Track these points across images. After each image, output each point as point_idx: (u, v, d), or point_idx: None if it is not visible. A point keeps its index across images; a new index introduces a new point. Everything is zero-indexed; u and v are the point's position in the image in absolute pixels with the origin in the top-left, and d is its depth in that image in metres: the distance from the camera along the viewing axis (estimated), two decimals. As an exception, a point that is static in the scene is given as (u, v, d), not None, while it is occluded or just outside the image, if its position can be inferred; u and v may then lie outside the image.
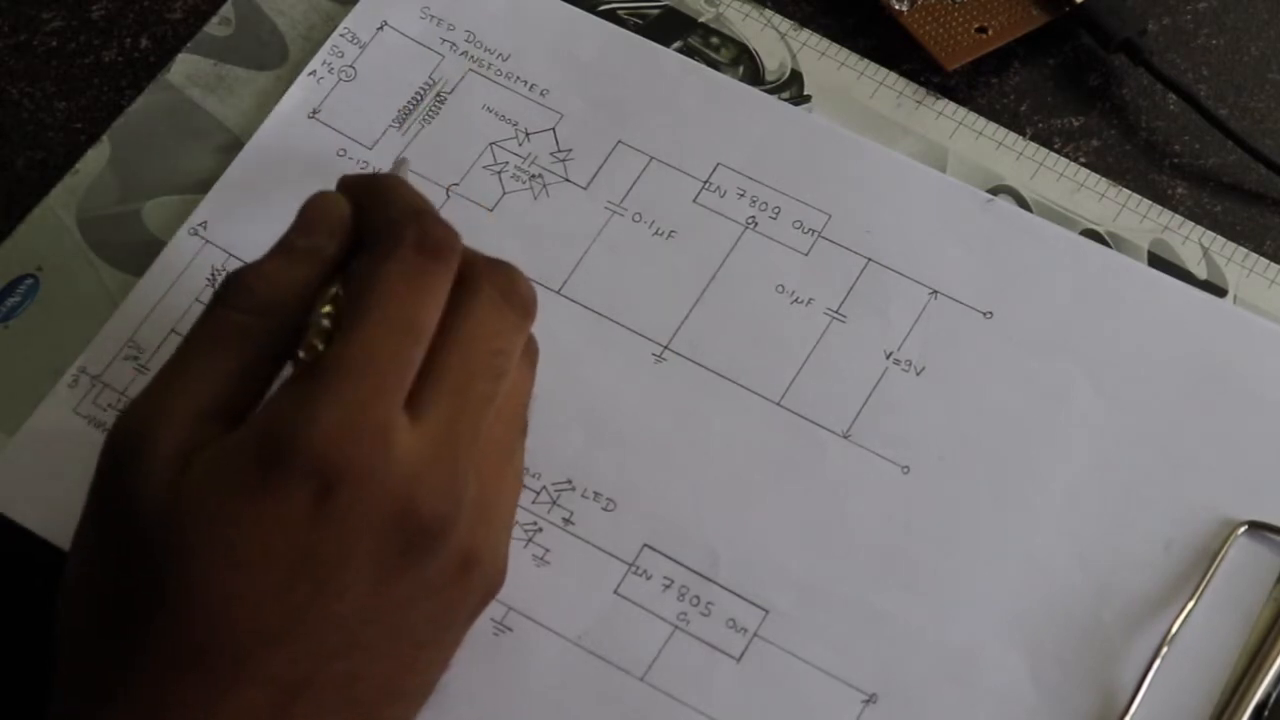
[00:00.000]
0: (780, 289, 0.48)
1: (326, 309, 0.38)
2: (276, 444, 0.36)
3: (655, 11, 0.53)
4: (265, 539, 0.35)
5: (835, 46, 0.52)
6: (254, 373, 0.38)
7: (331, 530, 0.36)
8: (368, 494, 0.36)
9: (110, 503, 0.37)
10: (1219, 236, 0.49)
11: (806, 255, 0.48)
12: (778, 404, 0.46)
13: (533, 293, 0.40)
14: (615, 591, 0.44)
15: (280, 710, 0.36)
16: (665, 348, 0.47)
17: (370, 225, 0.40)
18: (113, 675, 0.36)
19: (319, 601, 0.36)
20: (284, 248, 0.40)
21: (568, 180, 0.49)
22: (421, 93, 0.51)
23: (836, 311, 0.47)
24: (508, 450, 0.40)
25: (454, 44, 0.52)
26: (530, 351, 0.41)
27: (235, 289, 0.39)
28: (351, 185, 0.41)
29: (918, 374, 0.46)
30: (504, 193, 0.49)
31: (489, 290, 0.39)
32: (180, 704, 0.35)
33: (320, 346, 0.37)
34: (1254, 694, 0.42)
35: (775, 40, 0.52)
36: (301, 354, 0.38)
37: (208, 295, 0.47)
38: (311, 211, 0.40)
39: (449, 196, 0.49)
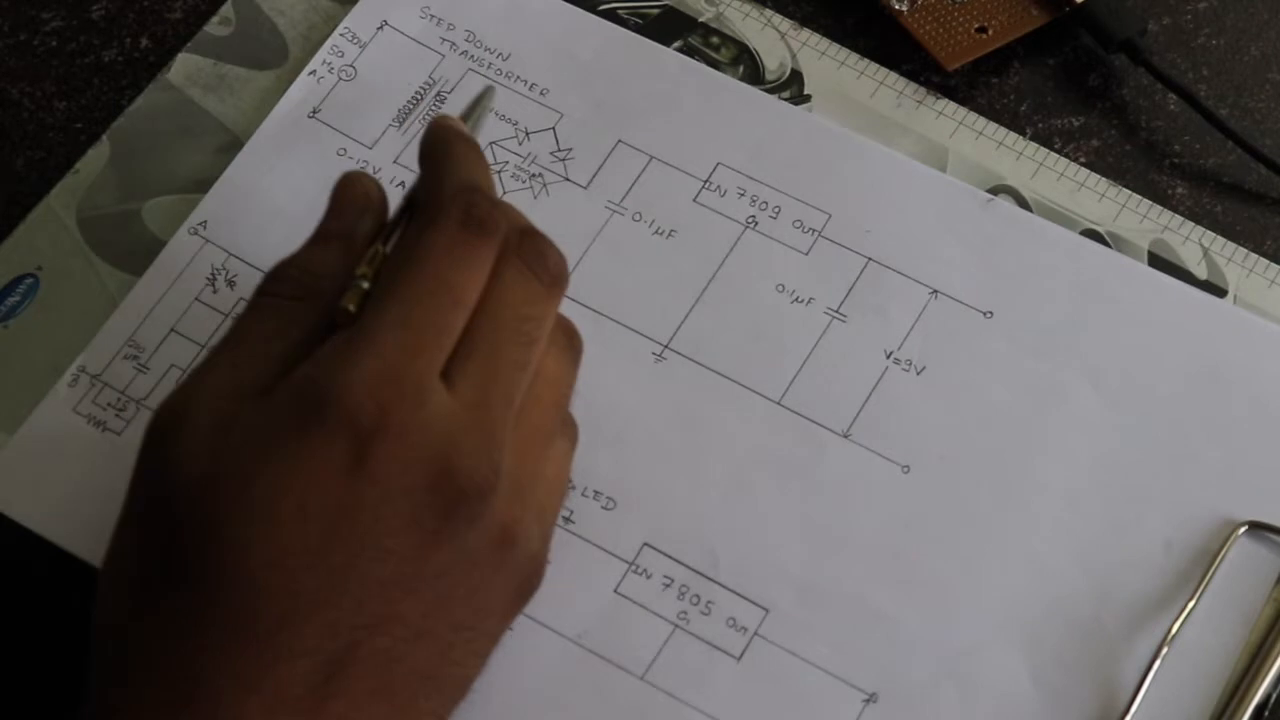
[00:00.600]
0: (780, 289, 0.48)
1: (364, 270, 0.39)
2: (312, 396, 0.36)
3: (655, 11, 0.53)
4: (302, 495, 0.35)
5: (835, 46, 0.52)
6: (294, 353, 0.38)
7: (369, 486, 0.35)
8: (405, 450, 0.36)
9: (150, 478, 0.37)
10: (1219, 236, 0.49)
11: (806, 255, 0.48)
12: (778, 404, 0.46)
13: (563, 263, 0.40)
14: (615, 591, 0.44)
15: (317, 691, 0.35)
16: (665, 347, 0.47)
17: (424, 194, 0.40)
18: (149, 655, 0.35)
19: (359, 564, 0.35)
20: (318, 235, 0.41)
21: (568, 180, 0.49)
22: (421, 92, 0.51)
23: (836, 311, 0.47)
24: (547, 435, 0.40)
25: (454, 44, 0.52)
26: (571, 344, 0.42)
27: (273, 277, 0.40)
28: (426, 142, 0.42)
29: (918, 374, 0.46)
30: (504, 192, 0.49)
31: (516, 260, 0.39)
32: (217, 680, 0.35)
33: (352, 308, 0.38)
34: (1254, 694, 0.42)
35: (775, 40, 0.52)
36: (337, 316, 0.38)
37: (208, 295, 0.47)
38: (339, 194, 0.41)
39: (449, 196, 0.49)
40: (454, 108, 0.50)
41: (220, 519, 0.35)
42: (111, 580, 0.37)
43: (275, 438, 0.36)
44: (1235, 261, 0.48)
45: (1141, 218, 0.49)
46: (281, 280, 0.39)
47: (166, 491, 0.36)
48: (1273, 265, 0.48)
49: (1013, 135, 0.50)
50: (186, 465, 0.36)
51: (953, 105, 0.51)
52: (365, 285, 0.38)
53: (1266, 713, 0.42)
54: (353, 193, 0.41)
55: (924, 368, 0.46)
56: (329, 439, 0.35)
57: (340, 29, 0.52)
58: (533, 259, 0.39)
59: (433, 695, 0.38)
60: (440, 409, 0.36)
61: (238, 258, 0.48)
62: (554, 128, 0.50)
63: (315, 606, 0.35)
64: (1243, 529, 0.44)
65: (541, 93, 0.51)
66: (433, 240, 0.38)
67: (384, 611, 0.36)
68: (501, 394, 0.38)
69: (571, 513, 0.44)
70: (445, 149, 0.41)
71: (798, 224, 0.49)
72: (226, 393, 0.37)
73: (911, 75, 0.51)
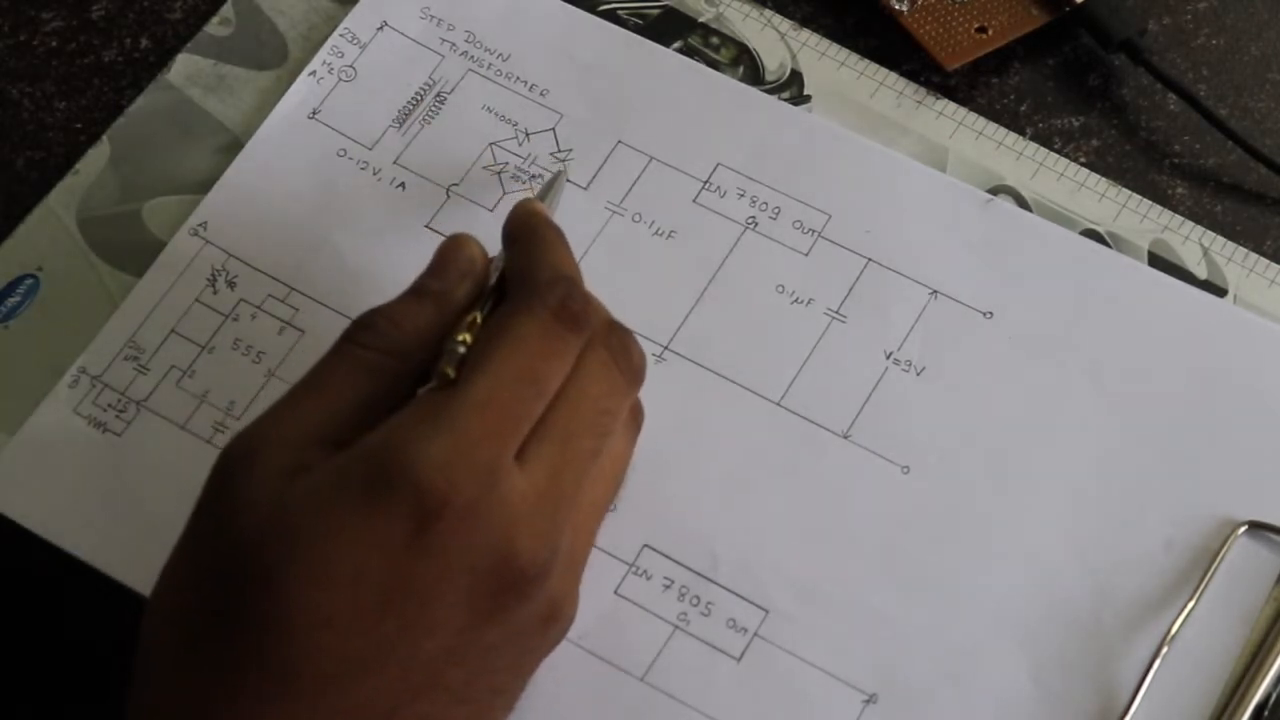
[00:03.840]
0: (780, 289, 0.48)
1: (464, 336, 0.39)
2: (385, 466, 0.36)
3: (655, 11, 0.53)
4: (361, 561, 0.35)
5: (835, 46, 0.52)
6: (374, 407, 0.38)
7: (429, 562, 0.35)
8: (469, 529, 0.36)
9: (213, 516, 0.37)
10: (1219, 236, 0.49)
11: (806, 255, 0.48)
12: (778, 404, 0.46)
13: (644, 359, 0.40)
14: (615, 592, 0.44)
15: None
16: (665, 348, 0.47)
17: (518, 276, 0.40)
18: (194, 697, 0.36)
19: (409, 636, 0.36)
20: (415, 290, 0.40)
21: (568, 180, 0.49)
22: (421, 93, 0.51)
23: (836, 311, 0.47)
24: (602, 511, 0.41)
25: (454, 44, 0.52)
26: (635, 422, 0.42)
27: (362, 327, 0.39)
28: (514, 225, 0.42)
29: (918, 374, 0.46)
30: (504, 193, 0.49)
31: (602, 352, 0.39)
32: None
33: (452, 374, 0.38)
34: (1254, 694, 0.42)
35: (775, 40, 0.52)
36: (433, 380, 0.38)
37: (208, 296, 0.47)
38: (444, 254, 0.41)
39: (449, 196, 0.49)
40: (454, 107, 0.50)
41: (277, 573, 0.35)
42: (161, 608, 0.37)
43: (342, 500, 0.36)
44: (1235, 261, 0.48)
45: (1141, 218, 0.49)
46: (370, 331, 0.39)
47: (227, 534, 0.36)
48: (1273, 265, 0.48)
49: (1013, 135, 0.50)
50: (251, 511, 0.36)
51: (953, 105, 0.51)
52: (463, 351, 0.38)
53: (1266, 713, 0.42)
54: (457, 255, 0.41)
55: (924, 368, 0.46)
56: (394, 510, 0.35)
57: (340, 29, 0.52)
58: (618, 353, 0.40)
59: None
60: (510, 493, 0.36)
61: (238, 258, 0.48)
62: (554, 128, 0.50)
63: (361, 671, 0.35)
64: (1243, 529, 0.44)
65: (541, 93, 0.51)
66: (527, 329, 0.38)
67: (429, 681, 0.36)
68: (572, 483, 0.38)
69: (572, 513, 0.44)
70: (536, 234, 0.41)
71: (798, 225, 0.49)
72: (300, 440, 0.37)
73: (911, 75, 0.51)
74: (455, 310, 0.40)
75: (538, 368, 0.38)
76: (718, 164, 0.49)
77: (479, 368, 0.37)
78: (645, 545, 0.44)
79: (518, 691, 0.39)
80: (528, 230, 0.42)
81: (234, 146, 0.50)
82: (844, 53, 0.52)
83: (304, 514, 0.36)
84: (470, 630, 0.36)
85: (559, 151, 0.50)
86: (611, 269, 0.48)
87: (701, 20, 0.52)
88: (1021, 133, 0.51)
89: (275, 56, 0.52)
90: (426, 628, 0.36)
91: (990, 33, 0.51)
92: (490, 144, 0.50)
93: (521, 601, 0.37)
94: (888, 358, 0.47)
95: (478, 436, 0.36)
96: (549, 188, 0.47)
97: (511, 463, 0.37)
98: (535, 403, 0.38)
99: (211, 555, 0.37)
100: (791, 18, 0.53)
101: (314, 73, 0.51)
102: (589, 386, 0.39)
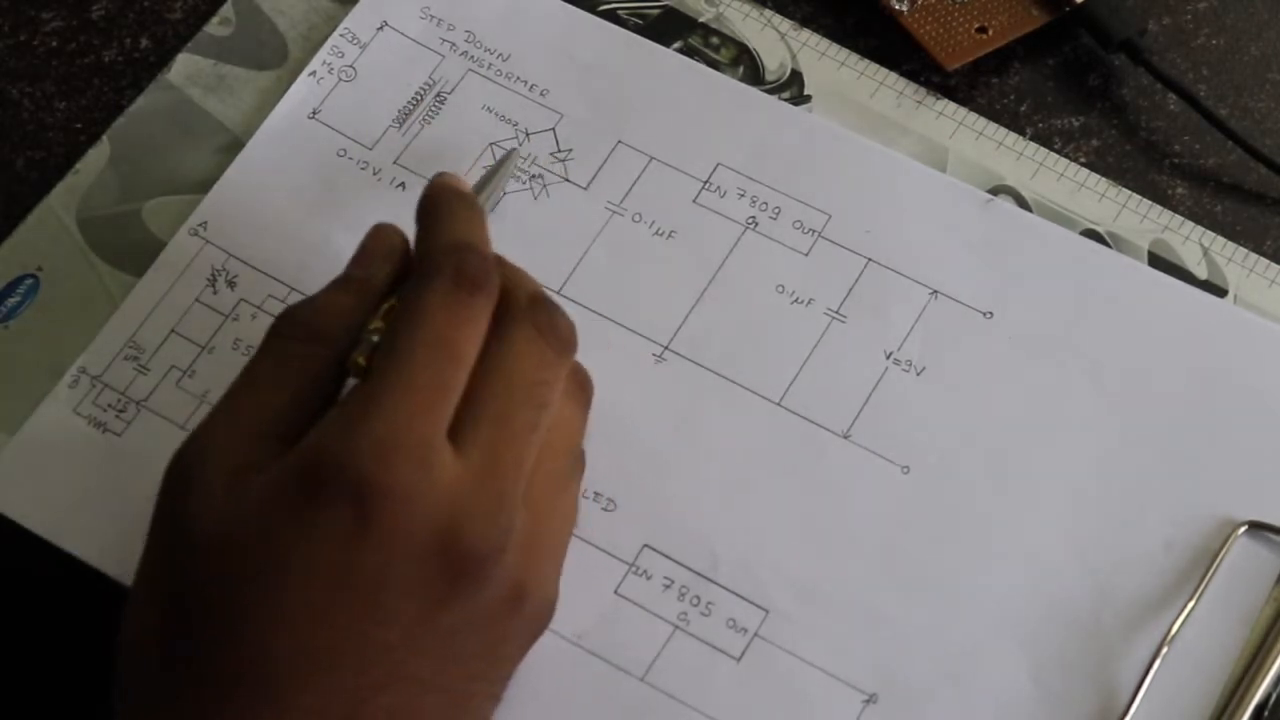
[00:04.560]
0: (780, 289, 0.48)
1: (376, 324, 0.39)
2: (317, 465, 0.36)
3: (655, 11, 0.53)
4: (309, 557, 0.36)
5: (835, 46, 0.52)
6: (309, 396, 0.39)
7: (373, 549, 0.36)
8: (410, 513, 0.36)
9: (166, 526, 0.38)
10: (1219, 236, 0.49)
11: (806, 255, 0.48)
12: (778, 404, 0.46)
13: (572, 328, 0.41)
14: (615, 591, 0.44)
15: None
16: (665, 348, 0.47)
17: (418, 252, 0.41)
18: (159, 700, 0.36)
19: (362, 625, 0.36)
20: (338, 279, 0.41)
21: (568, 180, 0.49)
22: (421, 93, 0.51)
23: (836, 311, 0.47)
24: (559, 484, 0.41)
25: (454, 44, 0.52)
26: (582, 390, 0.42)
27: (286, 320, 0.40)
28: (421, 201, 0.42)
29: (918, 374, 0.46)
30: (504, 193, 0.49)
31: (527, 326, 0.39)
32: None
33: (362, 362, 0.39)
34: (1254, 694, 0.42)
35: (775, 40, 0.52)
36: (350, 369, 0.39)
37: (208, 296, 0.47)
38: (365, 242, 0.42)
39: (449, 196, 0.49)
40: (454, 107, 0.50)
41: (228, 578, 0.36)
42: (129, 620, 0.38)
43: (283, 502, 0.36)
44: (1235, 261, 0.48)
45: (1141, 218, 0.49)
46: (293, 322, 0.40)
47: (180, 551, 0.37)
48: (1273, 265, 0.48)
49: (1013, 135, 0.50)
50: (199, 525, 0.37)
51: (953, 105, 0.51)
52: (376, 339, 0.39)
53: (1266, 713, 0.42)
54: (377, 241, 0.42)
55: (924, 368, 0.46)
56: (334, 505, 0.36)
57: (340, 29, 0.52)
58: (544, 325, 0.40)
59: None
60: (446, 472, 0.37)
61: (238, 258, 0.48)
62: (554, 128, 0.50)
63: (320, 667, 0.35)
64: (1243, 529, 0.44)
65: (541, 93, 0.51)
66: (426, 300, 0.38)
67: (391, 672, 0.36)
68: (513, 458, 0.38)
69: (572, 513, 0.44)
70: (438, 208, 0.42)
71: (798, 225, 0.49)
72: (241, 440, 0.38)
73: (911, 75, 0.51)
74: (375, 294, 0.41)
75: (446, 336, 0.38)
76: (718, 164, 0.49)
77: (389, 350, 0.38)
78: (645, 545, 0.44)
79: (499, 679, 0.39)
80: (430, 205, 0.42)
81: (234, 146, 0.50)
82: (844, 53, 0.52)
83: (250, 519, 0.36)
84: (426, 617, 0.36)
85: (559, 151, 0.50)
86: (611, 269, 0.48)
87: (701, 20, 0.52)
88: (1021, 133, 0.51)
89: (275, 56, 0.52)
90: (379, 617, 0.36)
91: (990, 33, 0.51)
92: (490, 144, 0.50)
93: (476, 584, 0.37)
94: (888, 358, 0.47)
95: (402, 417, 0.36)
96: (498, 167, 0.47)
97: (444, 441, 0.37)
98: (452, 370, 0.38)
99: (168, 567, 0.37)
100: (791, 18, 0.53)
101: (314, 73, 0.51)
102: (516, 361, 0.39)
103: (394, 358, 0.38)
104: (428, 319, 0.38)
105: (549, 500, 0.40)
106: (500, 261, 0.41)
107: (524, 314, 0.40)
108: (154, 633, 0.37)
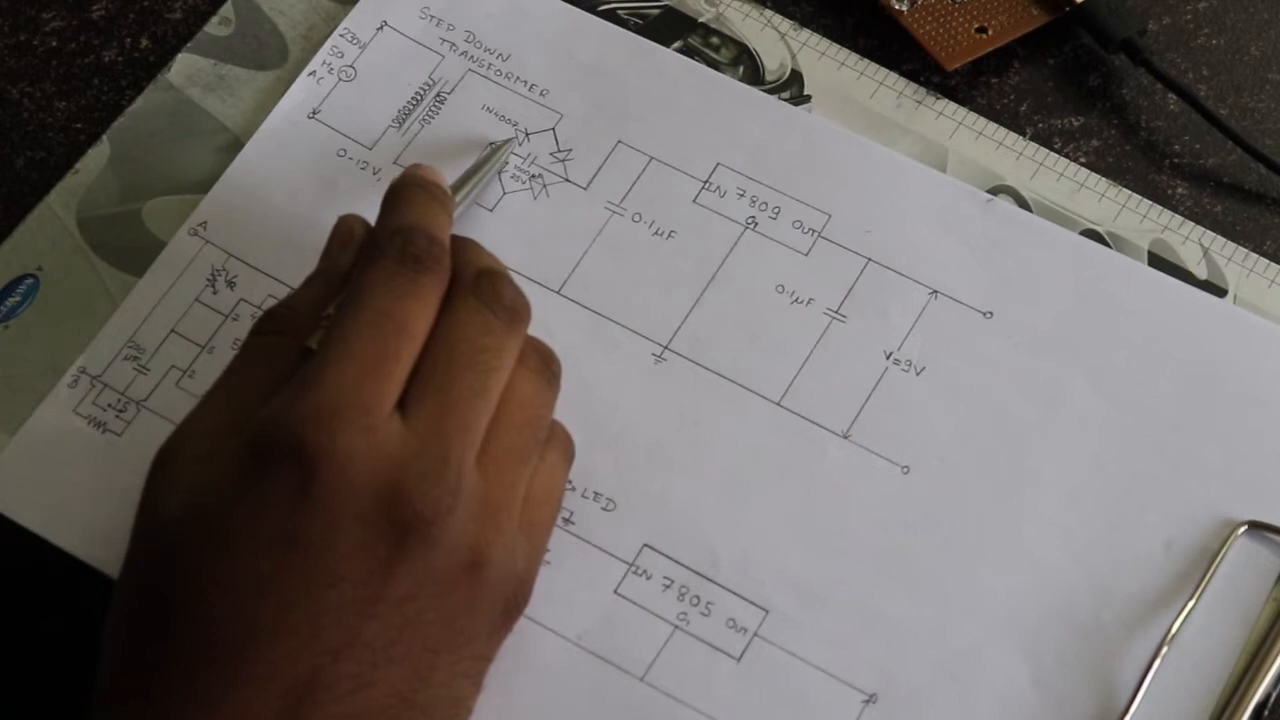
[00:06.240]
0: (780, 289, 0.48)
1: (331, 310, 0.40)
2: (264, 432, 0.37)
3: (655, 11, 0.53)
4: (252, 525, 0.36)
5: (835, 46, 0.52)
6: (281, 384, 0.39)
7: (315, 512, 0.36)
8: (351, 476, 0.37)
9: (143, 513, 0.39)
10: (1219, 236, 0.49)
11: (806, 255, 0.48)
12: (778, 404, 0.46)
13: (519, 297, 0.41)
14: (615, 591, 0.44)
15: (287, 716, 0.36)
16: (665, 348, 0.47)
17: (369, 237, 0.42)
18: (125, 678, 0.37)
19: (311, 590, 0.36)
20: (310, 276, 0.43)
21: (568, 180, 0.49)
22: (421, 93, 0.51)
23: (836, 311, 0.47)
24: (520, 455, 0.41)
25: (454, 44, 0.52)
26: (546, 367, 0.42)
27: (264, 317, 0.42)
28: (383, 197, 0.43)
29: (918, 374, 0.46)
30: (504, 193, 0.49)
31: (470, 298, 0.40)
32: (182, 707, 0.36)
33: (313, 345, 0.40)
34: (1254, 694, 0.42)
35: (775, 40, 0.52)
36: (305, 349, 0.40)
37: (208, 296, 0.48)
38: (332, 235, 0.43)
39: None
40: (454, 107, 0.50)
41: (182, 549, 0.37)
42: (111, 611, 0.39)
43: (235, 475, 0.37)
44: (1235, 261, 0.48)
45: (1141, 218, 0.49)
46: (269, 318, 0.41)
47: (151, 527, 0.38)
48: (1273, 265, 0.48)
49: (1013, 135, 0.50)
50: (168, 502, 0.38)
51: (953, 105, 0.51)
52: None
53: (1266, 713, 0.42)
54: (339, 232, 0.43)
55: (924, 368, 0.46)
56: (278, 471, 0.37)
57: (340, 29, 0.52)
58: (487, 295, 0.40)
59: (418, 718, 0.38)
60: (389, 435, 0.37)
61: (238, 258, 0.48)
62: (554, 128, 0.50)
63: (271, 634, 0.36)
64: (1243, 529, 0.44)
65: (541, 93, 0.51)
66: (370, 277, 0.39)
67: (344, 638, 0.36)
68: (458, 420, 0.38)
69: (571, 514, 0.44)
70: (397, 194, 0.43)
71: (797, 224, 0.49)
72: (213, 430, 0.39)
73: (911, 75, 0.51)
74: (340, 281, 0.41)
75: (389, 309, 0.39)
76: (718, 164, 0.49)
77: (334, 325, 0.39)
78: (645, 545, 0.44)
79: (468, 656, 0.39)
80: (390, 193, 0.43)
81: (234, 146, 0.50)
82: (844, 53, 0.52)
83: (205, 491, 0.37)
84: (374, 580, 0.37)
85: (559, 151, 0.50)
86: (611, 269, 0.48)
87: (701, 20, 0.52)
88: (1021, 133, 0.51)
89: (275, 56, 0.52)
90: (326, 580, 0.36)
91: (990, 33, 0.51)
92: (490, 144, 0.50)
93: (424, 544, 0.37)
94: (888, 358, 0.47)
95: (344, 384, 0.37)
96: (487, 158, 0.48)
97: (389, 408, 0.38)
98: (396, 341, 0.38)
99: (139, 549, 0.39)
100: (791, 18, 0.53)
101: (314, 73, 0.51)
102: (459, 329, 0.40)
103: (337, 331, 0.38)
104: (368, 293, 0.39)
105: (509, 472, 0.40)
106: (463, 244, 0.42)
107: (468, 286, 0.40)
108: (124, 614, 0.38)
